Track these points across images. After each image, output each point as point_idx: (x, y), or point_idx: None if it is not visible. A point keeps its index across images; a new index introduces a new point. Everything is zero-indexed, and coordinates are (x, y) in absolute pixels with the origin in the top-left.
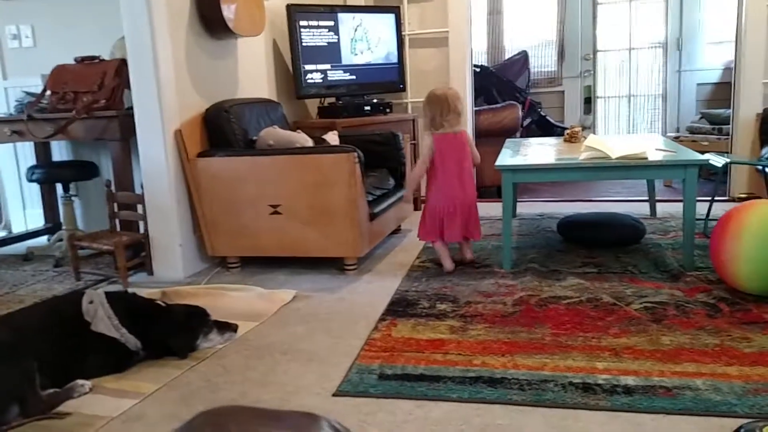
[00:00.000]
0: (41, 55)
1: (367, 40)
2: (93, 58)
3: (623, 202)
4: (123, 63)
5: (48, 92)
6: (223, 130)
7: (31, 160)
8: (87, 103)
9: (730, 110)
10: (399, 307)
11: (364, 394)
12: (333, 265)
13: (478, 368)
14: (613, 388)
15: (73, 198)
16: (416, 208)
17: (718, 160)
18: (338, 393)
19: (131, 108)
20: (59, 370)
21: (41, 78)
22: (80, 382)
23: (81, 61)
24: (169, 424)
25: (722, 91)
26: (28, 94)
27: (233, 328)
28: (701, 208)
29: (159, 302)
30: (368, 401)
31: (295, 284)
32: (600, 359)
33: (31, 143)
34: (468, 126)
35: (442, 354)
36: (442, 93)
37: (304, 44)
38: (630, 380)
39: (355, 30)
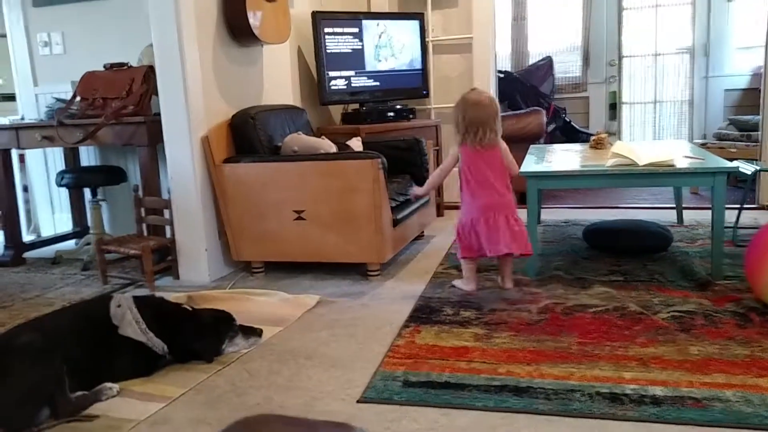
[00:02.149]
0: (71, 61)
1: (391, 46)
2: (122, 64)
3: (649, 209)
4: (151, 69)
5: (78, 98)
6: (248, 136)
7: (60, 165)
8: (116, 109)
9: (759, 116)
10: (423, 314)
11: (389, 401)
12: (356, 270)
13: (504, 377)
14: (641, 399)
15: (101, 202)
16: (439, 214)
17: (747, 168)
18: (362, 399)
19: (159, 114)
20: (88, 373)
21: (71, 84)
22: (108, 385)
23: (110, 67)
24: (195, 428)
25: (751, 98)
26: (58, 100)
27: (258, 332)
28: (730, 216)
29: (185, 306)
30: (393, 408)
31: (319, 289)
32: (627, 369)
33: (60, 148)
34: None
35: (466, 362)
36: (482, 104)
37: (328, 51)
38: (658, 390)
39: (380, 36)
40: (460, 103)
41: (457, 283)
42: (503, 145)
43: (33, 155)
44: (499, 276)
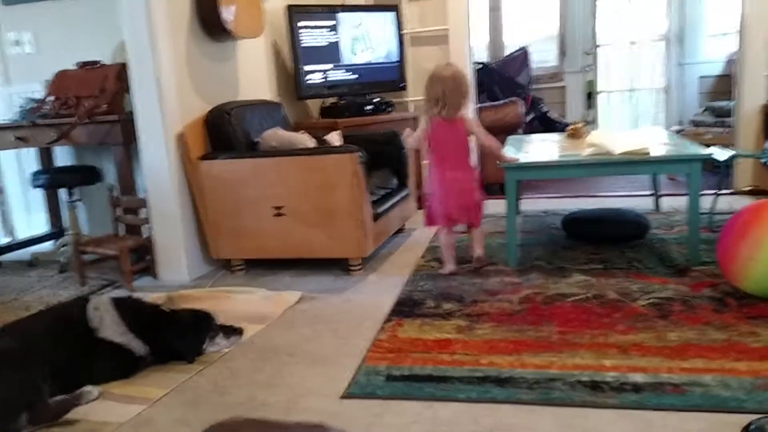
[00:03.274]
0: (43, 61)
1: (367, 39)
2: (94, 63)
3: (627, 197)
4: (124, 67)
5: (50, 98)
6: (225, 132)
7: (34, 166)
8: (89, 108)
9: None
10: (405, 307)
11: (372, 396)
12: (338, 265)
13: (486, 368)
14: (622, 386)
15: (77, 203)
16: (419, 207)
17: (722, 154)
18: (346, 395)
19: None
20: (67, 377)
21: (43, 84)
22: (88, 388)
23: (82, 66)
24: (177, 429)
25: (725, 84)
26: (30, 100)
27: (239, 331)
28: (705, 202)
29: (164, 307)
30: (376, 403)
31: (301, 286)
32: (608, 356)
33: (35, 149)
34: None
35: (449, 354)
36: (444, 75)
37: (304, 45)
38: (638, 377)
39: (355, 29)
40: (428, 78)
41: (441, 271)
42: (469, 119)
43: (6, 156)
44: (470, 245)
